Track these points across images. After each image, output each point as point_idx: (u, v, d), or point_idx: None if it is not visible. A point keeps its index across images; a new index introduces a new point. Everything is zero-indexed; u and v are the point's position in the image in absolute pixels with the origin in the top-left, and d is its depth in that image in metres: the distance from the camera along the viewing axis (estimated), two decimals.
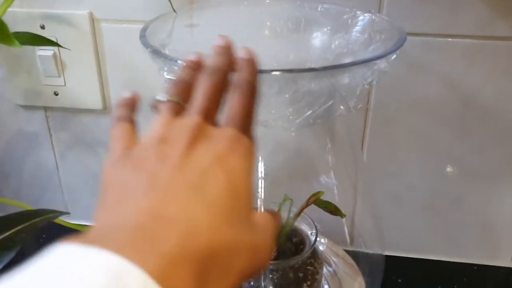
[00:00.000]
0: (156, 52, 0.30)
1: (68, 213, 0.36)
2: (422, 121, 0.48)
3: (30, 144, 0.57)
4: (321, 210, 0.43)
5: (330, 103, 0.31)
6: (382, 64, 0.31)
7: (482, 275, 0.53)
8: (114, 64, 0.50)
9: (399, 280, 0.52)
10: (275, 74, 0.27)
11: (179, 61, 0.29)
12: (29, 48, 0.50)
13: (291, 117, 0.31)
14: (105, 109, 0.53)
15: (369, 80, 0.33)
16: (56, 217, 0.34)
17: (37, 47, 0.50)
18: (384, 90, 0.47)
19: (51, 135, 0.56)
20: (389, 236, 0.55)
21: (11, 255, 0.29)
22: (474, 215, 0.52)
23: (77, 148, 0.56)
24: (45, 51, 0.50)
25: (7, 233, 0.31)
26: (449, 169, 0.51)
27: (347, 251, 0.50)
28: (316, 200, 0.42)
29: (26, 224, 0.32)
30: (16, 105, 0.54)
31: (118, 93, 0.52)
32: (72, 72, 0.51)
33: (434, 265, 0.55)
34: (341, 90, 0.33)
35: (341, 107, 0.33)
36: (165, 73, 0.31)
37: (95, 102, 0.52)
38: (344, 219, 0.45)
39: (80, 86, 0.52)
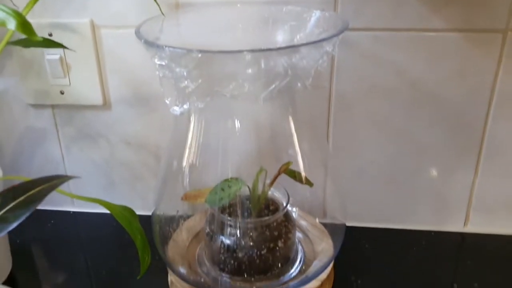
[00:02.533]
0: (148, 42, 0.38)
1: (80, 177, 0.43)
2: (378, 104, 0.56)
3: (39, 139, 0.64)
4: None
5: (287, 79, 0.39)
6: (328, 47, 0.39)
7: (439, 239, 0.61)
8: (112, 64, 0.58)
9: (367, 246, 0.60)
10: (243, 54, 0.35)
11: (166, 48, 0.37)
12: (38, 53, 0.58)
13: (257, 90, 0.38)
14: (105, 104, 0.60)
15: (320, 62, 0.41)
16: (69, 179, 0.41)
17: (45, 52, 0.58)
18: (343, 78, 0.55)
19: (57, 130, 0.63)
20: (355, 208, 0.63)
21: (36, 205, 0.37)
22: (429, 186, 0.60)
23: (81, 141, 0.64)
24: (53, 56, 0.58)
25: (33, 191, 0.39)
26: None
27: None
28: (286, 169, 0.50)
29: (46, 185, 0.40)
30: (26, 105, 0.62)
31: (117, 90, 0.60)
32: (76, 73, 0.59)
33: (396, 233, 0.62)
34: (298, 70, 0.41)
35: (299, 84, 0.41)
36: (156, 59, 0.39)
37: (96, 98, 0.60)
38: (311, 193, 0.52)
39: (83, 85, 0.59)
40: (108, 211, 0.46)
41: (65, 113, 0.62)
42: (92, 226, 0.65)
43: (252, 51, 0.35)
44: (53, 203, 0.68)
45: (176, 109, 0.42)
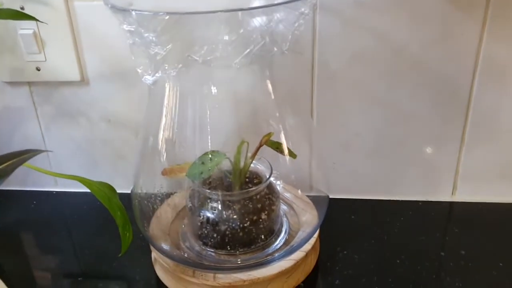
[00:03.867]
0: (114, 7, 0.36)
1: (52, 151, 0.42)
2: (361, 73, 0.55)
3: (17, 118, 0.63)
4: None
5: (262, 43, 0.38)
6: (303, 8, 0.38)
7: (426, 209, 0.60)
8: (88, 38, 0.57)
9: (352, 217, 0.59)
10: (214, 15, 0.34)
11: (133, 12, 0.35)
12: (11, 28, 0.56)
13: (231, 55, 0.37)
14: (83, 81, 0.59)
15: (296, 25, 0.40)
16: (40, 153, 0.40)
17: (18, 27, 0.56)
18: (325, 47, 0.54)
19: (36, 109, 0.62)
20: (341, 180, 0.62)
21: (5, 178, 0.36)
22: (415, 156, 0.59)
23: (60, 120, 0.62)
24: (26, 30, 0.56)
25: (2, 166, 0.37)
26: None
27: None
28: (268, 140, 0.49)
29: (16, 159, 0.38)
30: (2, 83, 0.60)
31: (94, 65, 0.58)
32: (51, 48, 0.57)
33: (382, 204, 0.61)
34: (275, 35, 0.40)
35: (275, 48, 0.40)
36: (124, 25, 0.37)
37: (73, 74, 0.58)
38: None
39: (59, 61, 0.58)
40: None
41: (43, 90, 0.60)
42: (75, 205, 0.64)
43: (221, 11, 0.34)
44: (35, 183, 0.67)
45: (148, 78, 0.40)
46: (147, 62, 0.40)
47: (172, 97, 0.45)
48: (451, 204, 0.61)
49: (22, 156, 0.38)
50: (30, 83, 0.60)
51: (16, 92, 0.61)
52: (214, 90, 0.43)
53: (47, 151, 0.41)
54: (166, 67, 0.39)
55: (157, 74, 0.40)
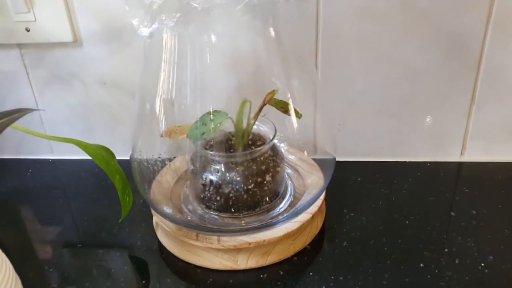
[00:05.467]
0: None
1: (43, 110, 0.40)
2: (367, 28, 0.52)
3: (8, 84, 0.60)
4: None
5: None
6: None
7: (435, 170, 0.58)
8: None
9: (359, 179, 0.57)
10: None
11: None
12: None
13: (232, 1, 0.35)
14: (76, 41, 0.56)
15: None
16: (30, 111, 0.38)
17: None
18: (330, 2, 0.51)
19: (28, 73, 0.59)
20: (347, 142, 0.60)
21: None
22: (424, 115, 0.57)
23: (54, 84, 0.60)
24: None
25: None
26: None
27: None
28: (272, 98, 0.47)
29: (5, 119, 0.36)
30: None
31: (87, 24, 0.55)
32: (40, 6, 0.54)
33: (390, 166, 0.59)
34: None
35: None
36: None
37: (65, 35, 0.55)
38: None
39: (50, 20, 0.55)
40: (89, 157, 0.43)
41: (34, 53, 0.58)
42: (72, 173, 0.62)
43: None
44: (30, 151, 0.65)
45: (145, 30, 0.38)
46: (143, 13, 0.37)
47: (169, 51, 0.42)
48: (461, 164, 0.59)
49: (12, 115, 0.36)
50: (20, 45, 0.57)
51: (6, 55, 0.58)
52: (214, 42, 0.40)
53: (38, 109, 0.39)
54: (163, 18, 0.37)
55: (153, 26, 0.37)
